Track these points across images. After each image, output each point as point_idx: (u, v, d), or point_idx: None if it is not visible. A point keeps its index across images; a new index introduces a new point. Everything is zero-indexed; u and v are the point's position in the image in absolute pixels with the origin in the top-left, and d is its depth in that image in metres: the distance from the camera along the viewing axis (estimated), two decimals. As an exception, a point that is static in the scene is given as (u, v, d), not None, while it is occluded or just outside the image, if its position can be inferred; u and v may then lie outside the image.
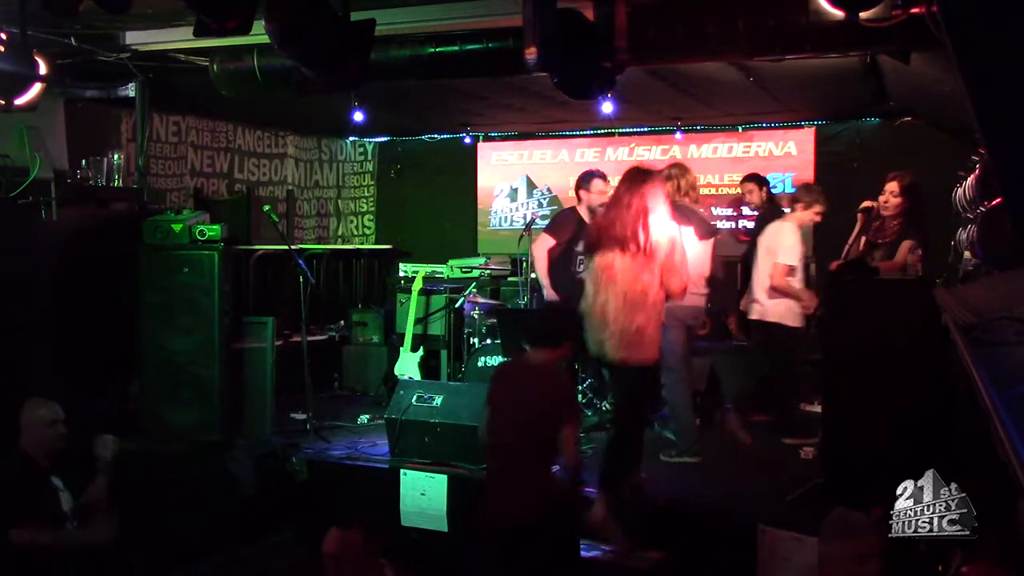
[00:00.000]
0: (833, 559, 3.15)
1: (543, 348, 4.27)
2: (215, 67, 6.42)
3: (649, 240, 4.84)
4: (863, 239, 6.24)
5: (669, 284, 4.88)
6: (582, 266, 5.80)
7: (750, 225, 8.44)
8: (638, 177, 5.03)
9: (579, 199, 6.58)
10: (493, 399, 4.36)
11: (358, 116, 7.98)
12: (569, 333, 4.38)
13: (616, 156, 10.21)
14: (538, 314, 4.20)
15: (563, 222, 6.65)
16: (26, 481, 4.56)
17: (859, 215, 6.30)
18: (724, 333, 7.17)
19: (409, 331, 7.50)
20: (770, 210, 7.28)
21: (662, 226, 4.92)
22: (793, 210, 6.45)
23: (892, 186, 6.00)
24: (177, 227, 6.30)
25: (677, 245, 4.95)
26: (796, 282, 6.24)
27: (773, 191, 8.08)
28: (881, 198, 6.04)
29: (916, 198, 5.99)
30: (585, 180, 6.50)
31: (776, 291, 6.19)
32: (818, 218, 6.42)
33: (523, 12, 4.17)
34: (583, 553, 4.79)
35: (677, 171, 6.13)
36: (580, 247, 6.04)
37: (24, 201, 5.81)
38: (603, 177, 6.50)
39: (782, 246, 6.20)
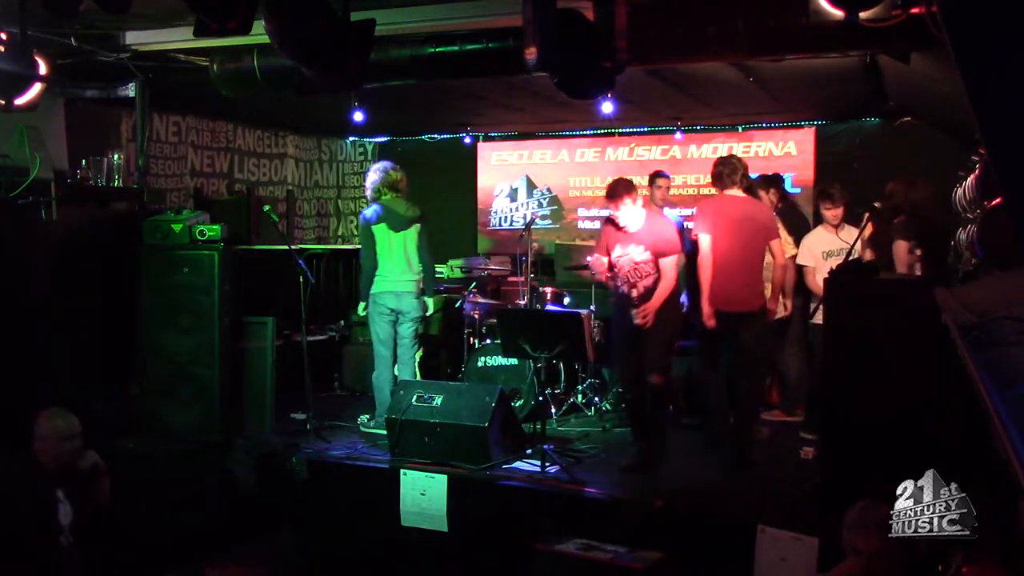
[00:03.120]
0: (861, 550, 3.30)
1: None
2: (215, 67, 6.41)
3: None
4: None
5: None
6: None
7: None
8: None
9: (652, 197, 7.11)
10: (716, 224, 5.72)
11: (358, 116, 7.98)
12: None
13: (616, 156, 10.23)
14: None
15: None
16: (29, 488, 4.52)
17: (866, 214, 6.26)
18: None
19: (409, 331, 7.48)
20: (786, 209, 7.19)
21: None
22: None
23: None
24: (177, 227, 6.30)
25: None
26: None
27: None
28: None
29: (903, 198, 5.96)
30: (654, 179, 7.33)
31: None
32: None
33: (523, 12, 4.16)
34: (576, 551, 4.78)
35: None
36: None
37: (24, 201, 5.81)
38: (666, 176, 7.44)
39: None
